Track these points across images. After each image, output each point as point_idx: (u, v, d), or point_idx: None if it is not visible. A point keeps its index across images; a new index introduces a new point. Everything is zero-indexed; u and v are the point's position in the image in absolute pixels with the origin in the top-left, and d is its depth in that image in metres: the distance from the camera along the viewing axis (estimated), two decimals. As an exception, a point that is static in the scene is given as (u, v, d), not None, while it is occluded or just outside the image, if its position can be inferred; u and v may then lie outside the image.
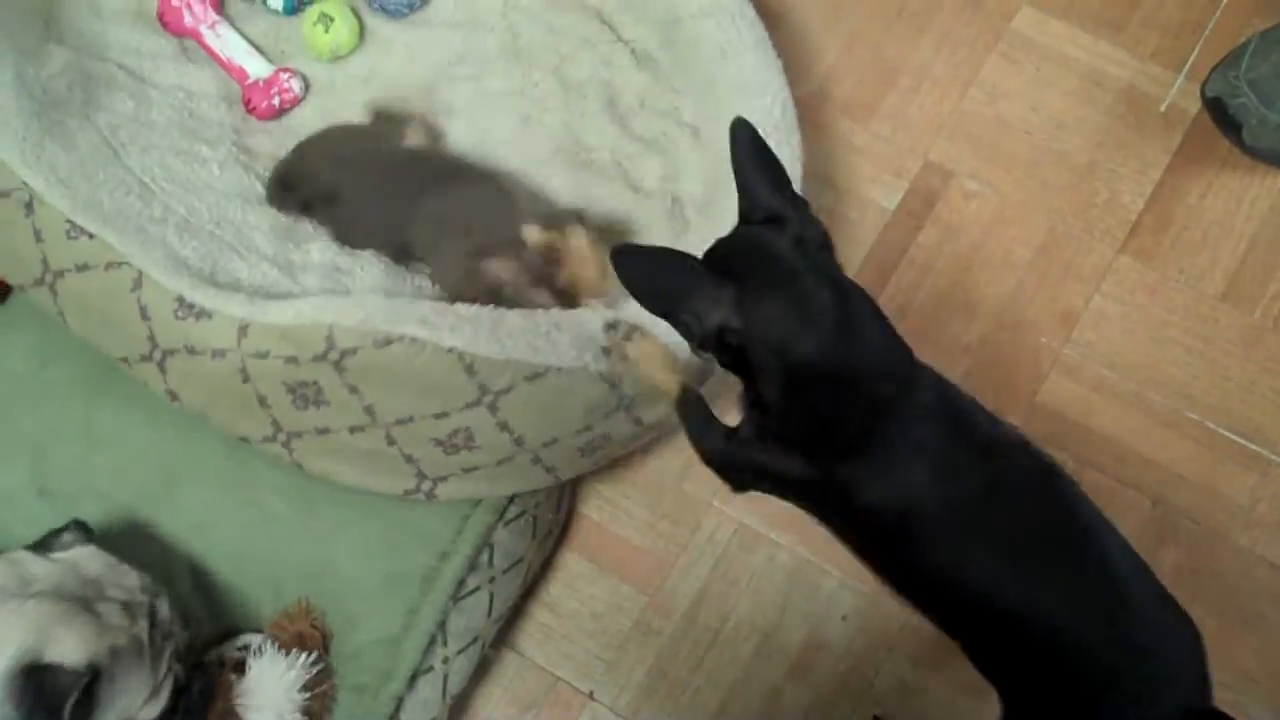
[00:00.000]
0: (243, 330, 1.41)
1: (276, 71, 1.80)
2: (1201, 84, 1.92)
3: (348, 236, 1.65)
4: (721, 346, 1.16)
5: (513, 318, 1.41)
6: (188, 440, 1.59)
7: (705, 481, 1.74)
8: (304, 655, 1.43)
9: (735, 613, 1.72)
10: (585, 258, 1.48)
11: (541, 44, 1.85)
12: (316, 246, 1.64)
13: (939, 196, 1.91)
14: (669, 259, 1.16)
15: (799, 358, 1.13)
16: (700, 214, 1.67)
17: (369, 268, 1.63)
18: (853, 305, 1.15)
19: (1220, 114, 1.89)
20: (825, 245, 1.19)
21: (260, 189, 1.69)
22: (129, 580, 1.33)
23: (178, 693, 1.31)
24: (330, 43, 1.81)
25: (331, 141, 1.71)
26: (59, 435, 1.59)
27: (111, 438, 1.59)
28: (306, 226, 1.67)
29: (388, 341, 1.37)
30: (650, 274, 1.16)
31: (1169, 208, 1.90)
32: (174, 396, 1.53)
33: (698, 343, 1.16)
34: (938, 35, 2.03)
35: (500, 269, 1.49)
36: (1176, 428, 1.78)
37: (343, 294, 1.58)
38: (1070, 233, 1.90)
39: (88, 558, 1.33)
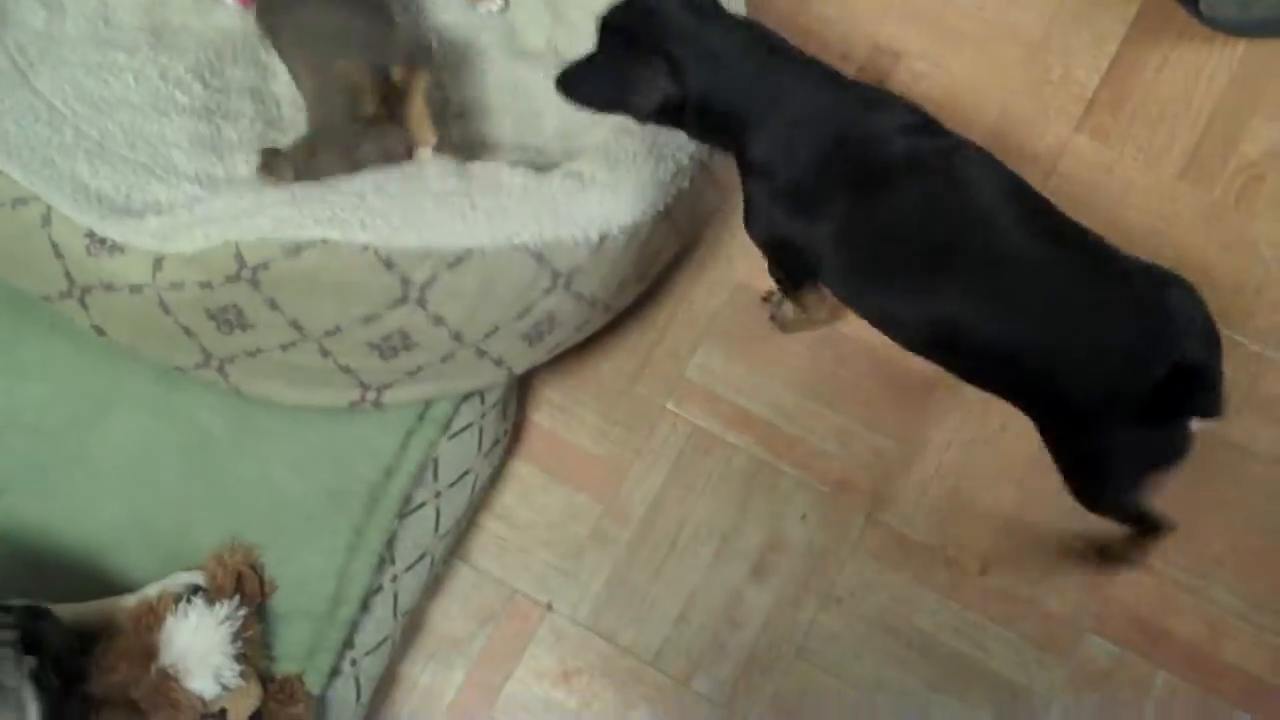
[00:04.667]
0: (157, 264, 1.36)
1: None
2: (1157, -49, 1.85)
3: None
4: (667, 115, 1.33)
5: (425, 201, 1.36)
6: (118, 365, 1.53)
7: (659, 384, 1.72)
8: (230, 604, 1.35)
9: (693, 517, 1.69)
10: (421, 110, 1.47)
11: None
12: (243, 158, 1.55)
13: (888, 78, 1.84)
14: (596, 66, 1.34)
15: (734, 103, 1.31)
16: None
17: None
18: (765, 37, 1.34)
19: (1177, -17, 1.82)
20: None
21: (179, 96, 1.59)
22: None
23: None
24: None
25: None
26: (-20, 367, 1.54)
27: (37, 367, 1.54)
28: (231, 135, 1.58)
29: (298, 248, 1.32)
30: (590, 87, 1.35)
31: (1125, 83, 1.85)
32: (100, 332, 1.48)
33: (645, 118, 1.35)
34: (883, -91, 1.95)
35: (353, 70, 1.44)
36: (1136, 310, 1.73)
37: (249, 206, 1.50)
38: (1024, 112, 1.84)
39: None
